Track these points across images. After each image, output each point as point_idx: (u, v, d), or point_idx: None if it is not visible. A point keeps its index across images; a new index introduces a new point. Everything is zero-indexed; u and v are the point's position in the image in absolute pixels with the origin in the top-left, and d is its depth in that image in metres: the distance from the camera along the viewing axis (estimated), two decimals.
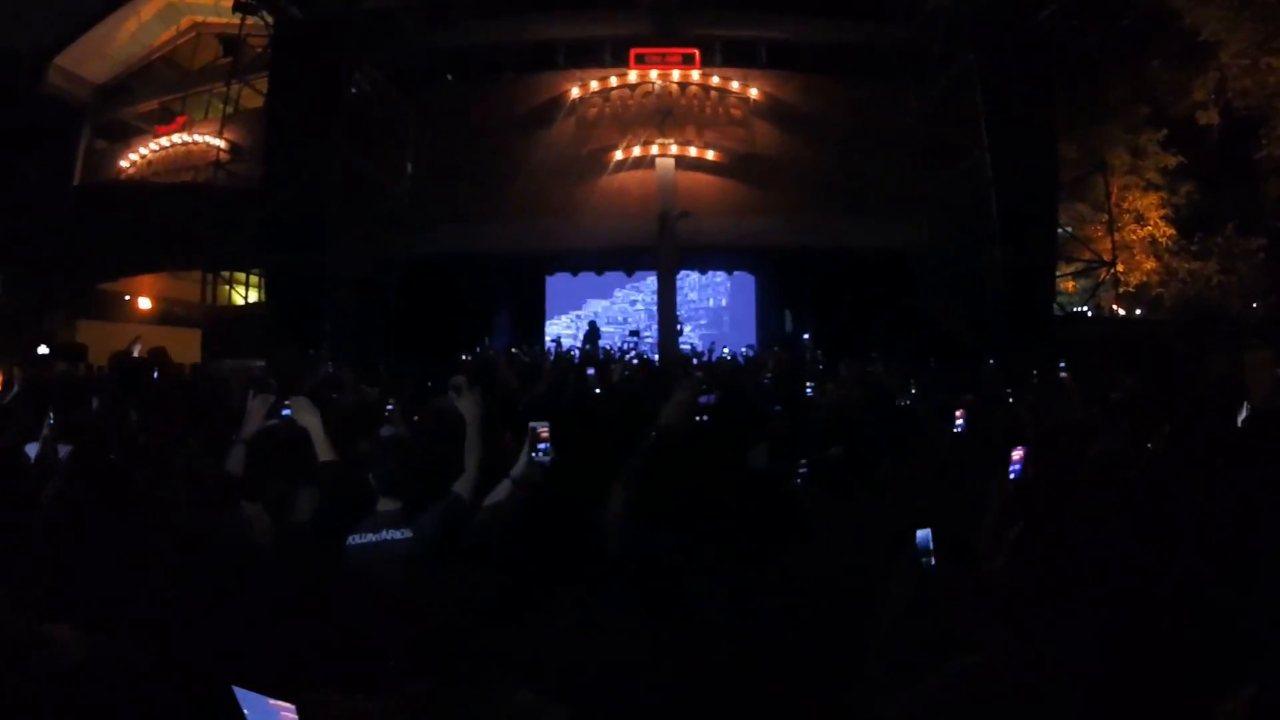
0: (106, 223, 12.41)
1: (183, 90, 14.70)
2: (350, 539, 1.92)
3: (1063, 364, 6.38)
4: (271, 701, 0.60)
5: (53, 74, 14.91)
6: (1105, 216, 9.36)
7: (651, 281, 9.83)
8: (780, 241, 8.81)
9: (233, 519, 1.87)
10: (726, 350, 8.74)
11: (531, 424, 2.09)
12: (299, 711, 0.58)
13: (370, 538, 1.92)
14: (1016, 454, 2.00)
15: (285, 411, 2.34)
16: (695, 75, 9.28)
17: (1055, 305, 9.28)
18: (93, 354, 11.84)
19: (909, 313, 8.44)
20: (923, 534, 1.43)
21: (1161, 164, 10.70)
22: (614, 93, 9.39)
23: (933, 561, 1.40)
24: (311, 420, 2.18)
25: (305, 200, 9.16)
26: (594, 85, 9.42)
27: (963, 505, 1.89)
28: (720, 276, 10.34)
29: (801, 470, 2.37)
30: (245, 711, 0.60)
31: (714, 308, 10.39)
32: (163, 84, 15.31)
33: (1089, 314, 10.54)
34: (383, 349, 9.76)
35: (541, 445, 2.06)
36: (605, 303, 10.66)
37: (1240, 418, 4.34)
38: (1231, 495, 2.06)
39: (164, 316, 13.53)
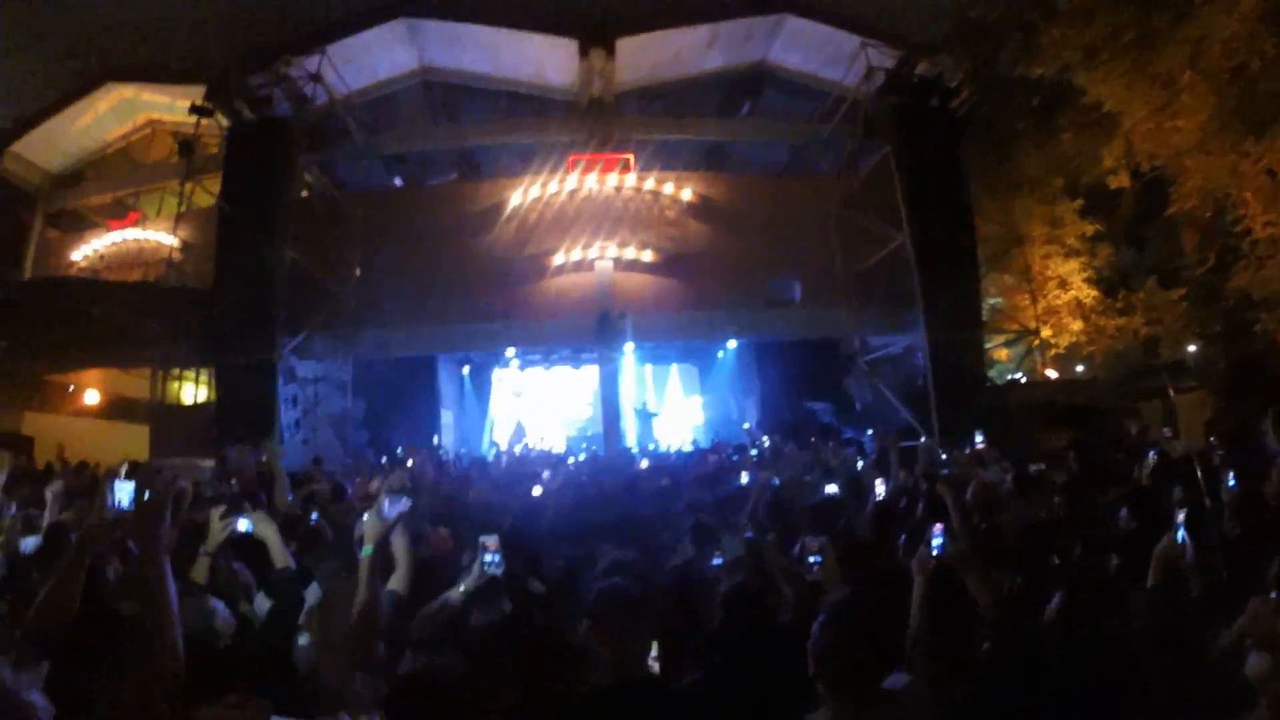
0: (57, 315, 12.28)
1: (135, 185, 14.81)
2: (302, 638, 2.05)
3: (980, 435, 6.53)
4: None
5: (7, 160, 14.93)
6: (1030, 286, 9.83)
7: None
8: (717, 334, 9.06)
9: (197, 611, 1.98)
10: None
11: (481, 537, 2.17)
12: None
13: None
14: (937, 527, 2.12)
15: (242, 521, 2.41)
16: (631, 179, 9.69)
17: (991, 374, 9.61)
18: (39, 446, 11.49)
19: (847, 396, 8.70)
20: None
21: (1079, 231, 11.35)
22: (552, 198, 9.74)
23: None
24: (269, 531, 2.35)
25: (254, 299, 9.25)
26: (534, 191, 9.77)
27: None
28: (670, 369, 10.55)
29: (715, 561, 2.50)
30: None
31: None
32: (116, 178, 15.41)
33: (1023, 379, 10.96)
34: (339, 447, 9.71)
35: (490, 557, 2.12)
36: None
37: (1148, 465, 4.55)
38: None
39: (111, 411, 13.24)
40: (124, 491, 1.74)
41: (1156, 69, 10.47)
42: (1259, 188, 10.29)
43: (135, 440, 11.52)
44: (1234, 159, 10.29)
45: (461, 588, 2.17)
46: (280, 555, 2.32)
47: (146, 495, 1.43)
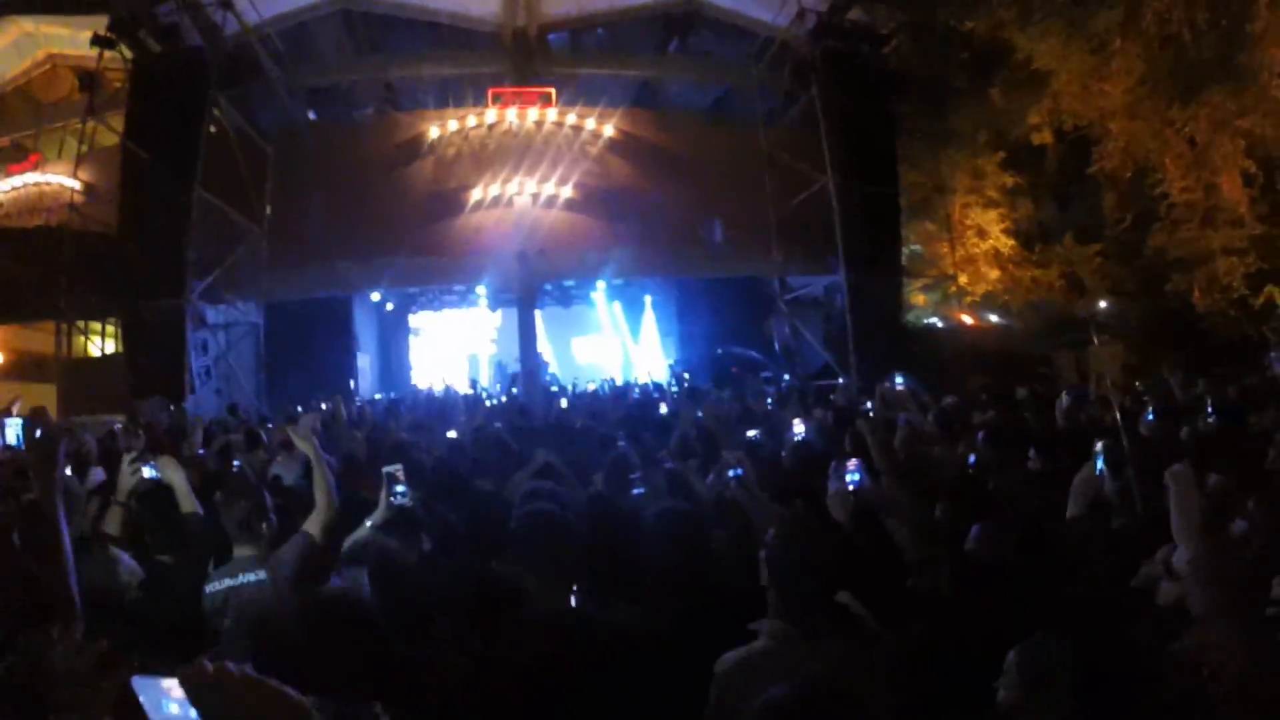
0: None
1: (35, 126, 13.78)
2: (209, 585, 2.01)
3: (899, 376, 6.74)
4: (163, 681, 0.57)
5: None
6: (949, 234, 10.13)
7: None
8: (638, 273, 9.06)
9: (101, 563, 1.95)
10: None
11: (386, 469, 2.13)
12: (182, 683, 0.56)
13: (227, 583, 2.02)
14: (852, 463, 2.16)
15: (150, 468, 2.34)
16: (552, 114, 9.47)
17: (909, 318, 9.92)
18: None
19: (767, 336, 8.86)
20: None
21: (1000, 183, 11.68)
22: (472, 132, 9.46)
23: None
24: (176, 476, 2.29)
25: (164, 243, 8.80)
26: (452, 125, 9.46)
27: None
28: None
29: (637, 491, 2.55)
30: (140, 698, 0.56)
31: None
32: (14, 119, 14.30)
33: (939, 324, 11.35)
34: (253, 394, 9.41)
35: (398, 488, 2.08)
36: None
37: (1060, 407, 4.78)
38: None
39: (17, 370, 12.51)
40: (12, 428, 1.66)
41: (1091, 30, 10.72)
42: (1179, 154, 10.72)
43: (44, 399, 10.84)
44: (1157, 125, 10.67)
45: (369, 522, 2.14)
46: (188, 501, 2.26)
47: (39, 433, 1.39)
